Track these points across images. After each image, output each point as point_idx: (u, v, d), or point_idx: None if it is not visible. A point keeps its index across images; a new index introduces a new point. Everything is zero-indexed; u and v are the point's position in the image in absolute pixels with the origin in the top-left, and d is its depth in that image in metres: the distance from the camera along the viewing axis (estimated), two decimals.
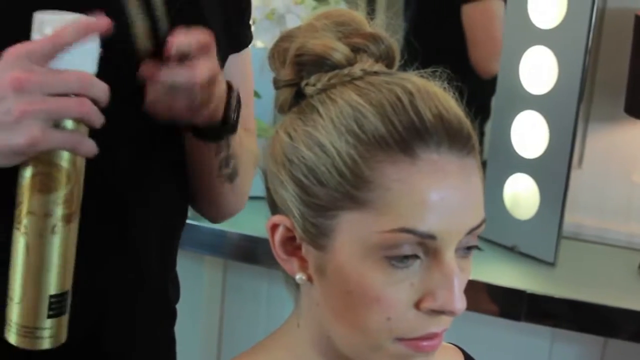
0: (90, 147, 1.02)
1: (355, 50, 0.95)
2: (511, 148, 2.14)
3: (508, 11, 2.16)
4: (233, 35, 1.37)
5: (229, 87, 1.25)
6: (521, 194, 2.13)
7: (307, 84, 0.94)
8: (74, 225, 1.05)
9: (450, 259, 0.87)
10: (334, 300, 0.91)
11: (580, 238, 2.33)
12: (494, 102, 2.22)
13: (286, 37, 0.99)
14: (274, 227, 0.95)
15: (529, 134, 2.10)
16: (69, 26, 0.99)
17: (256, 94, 2.12)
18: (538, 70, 2.07)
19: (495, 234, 2.17)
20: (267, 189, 0.98)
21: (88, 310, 1.22)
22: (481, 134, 2.35)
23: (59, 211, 1.02)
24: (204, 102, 1.17)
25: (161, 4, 1.17)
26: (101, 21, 1.01)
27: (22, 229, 1.02)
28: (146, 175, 1.26)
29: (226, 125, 1.25)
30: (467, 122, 0.90)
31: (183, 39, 1.10)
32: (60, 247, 1.03)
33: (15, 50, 0.98)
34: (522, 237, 2.14)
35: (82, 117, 1.00)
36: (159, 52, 1.12)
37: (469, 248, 0.91)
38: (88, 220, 1.12)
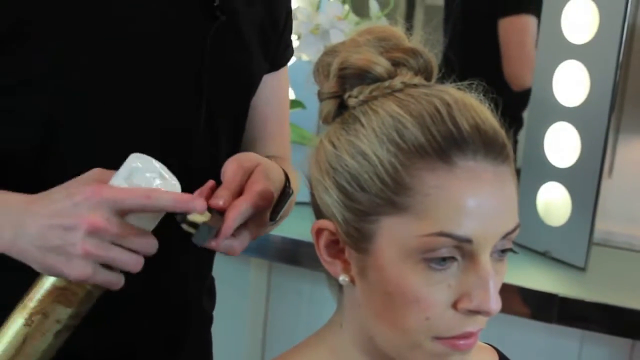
0: (122, 284, 1.05)
1: (396, 64, 0.95)
2: (544, 158, 2.13)
3: (542, 27, 2.15)
4: (270, 56, 1.37)
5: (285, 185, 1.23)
6: (554, 201, 2.13)
7: (350, 96, 0.95)
8: (70, 332, 1.08)
9: (485, 262, 0.87)
10: (375, 300, 0.92)
11: (610, 244, 2.32)
12: (529, 113, 2.21)
13: (330, 52, 1.00)
14: (319, 231, 0.95)
15: (562, 145, 2.09)
16: (169, 195, 1.00)
17: (301, 105, 2.15)
18: (571, 84, 2.07)
19: (529, 239, 2.17)
20: (312, 195, 0.98)
21: (125, 322, 1.24)
22: (515, 143, 2.35)
23: (67, 321, 1.06)
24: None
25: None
26: (200, 204, 1.02)
27: (29, 322, 1.05)
28: None
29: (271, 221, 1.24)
30: (501, 132, 0.90)
31: (235, 219, 1.07)
32: (53, 347, 1.07)
33: (103, 192, 0.99)
34: (555, 243, 2.14)
35: (131, 271, 1.04)
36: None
37: (504, 251, 0.91)
38: None
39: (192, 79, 1.22)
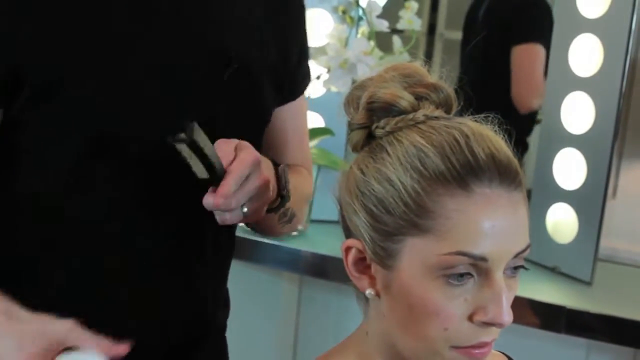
0: None
1: (419, 98, 0.96)
2: (553, 180, 2.13)
3: (551, 61, 2.16)
4: (285, 89, 1.36)
5: (275, 166, 1.25)
6: (562, 221, 2.13)
7: (377, 127, 0.96)
8: None
9: (499, 278, 0.89)
10: (398, 312, 0.93)
11: (614, 261, 2.31)
12: (539, 139, 2.22)
13: (360, 87, 1.00)
14: (348, 249, 0.96)
15: (569, 168, 2.09)
16: None
17: (330, 132, 2.16)
18: (577, 113, 2.07)
19: (539, 256, 2.16)
20: (342, 216, 0.99)
21: (148, 334, 1.22)
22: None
23: None
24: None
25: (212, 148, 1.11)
26: None
27: None
28: (205, 236, 1.27)
29: (282, 199, 1.25)
30: (515, 161, 0.91)
31: (232, 185, 1.10)
32: None
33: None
34: (563, 259, 2.13)
35: None
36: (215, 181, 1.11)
37: (516, 268, 0.92)
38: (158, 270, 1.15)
39: (207, 120, 1.19)
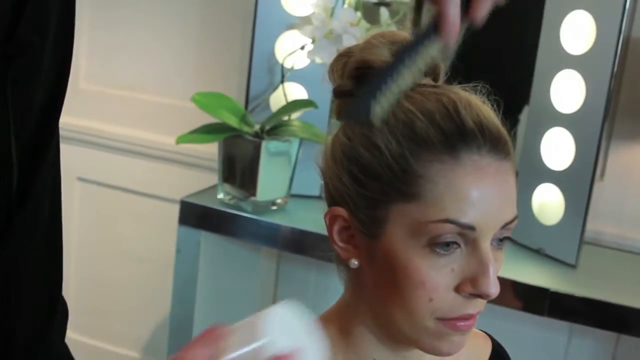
0: None
1: None
2: (541, 160, 2.14)
3: (542, 38, 2.16)
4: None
5: None
6: (548, 202, 2.14)
7: None
8: None
9: (486, 249, 0.90)
10: (383, 282, 0.94)
11: (600, 244, 2.33)
12: (527, 118, 2.22)
13: (345, 53, 1.01)
14: (332, 218, 0.97)
15: (557, 149, 2.10)
16: None
17: (314, 104, 2.16)
18: (567, 92, 2.08)
19: (524, 237, 2.18)
20: (325, 184, 1.00)
21: None
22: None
23: None
24: None
25: None
26: None
27: None
28: None
29: None
30: (503, 130, 0.92)
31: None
32: None
33: None
34: (548, 241, 2.15)
35: None
36: None
37: (502, 240, 0.93)
38: None
39: None
